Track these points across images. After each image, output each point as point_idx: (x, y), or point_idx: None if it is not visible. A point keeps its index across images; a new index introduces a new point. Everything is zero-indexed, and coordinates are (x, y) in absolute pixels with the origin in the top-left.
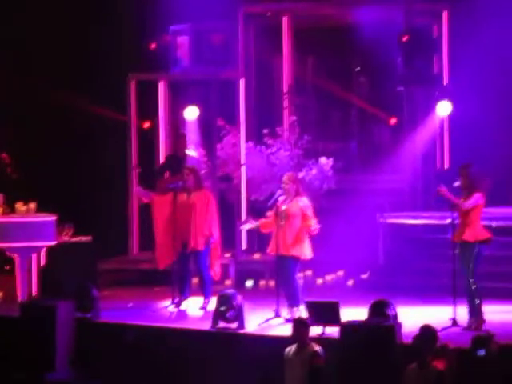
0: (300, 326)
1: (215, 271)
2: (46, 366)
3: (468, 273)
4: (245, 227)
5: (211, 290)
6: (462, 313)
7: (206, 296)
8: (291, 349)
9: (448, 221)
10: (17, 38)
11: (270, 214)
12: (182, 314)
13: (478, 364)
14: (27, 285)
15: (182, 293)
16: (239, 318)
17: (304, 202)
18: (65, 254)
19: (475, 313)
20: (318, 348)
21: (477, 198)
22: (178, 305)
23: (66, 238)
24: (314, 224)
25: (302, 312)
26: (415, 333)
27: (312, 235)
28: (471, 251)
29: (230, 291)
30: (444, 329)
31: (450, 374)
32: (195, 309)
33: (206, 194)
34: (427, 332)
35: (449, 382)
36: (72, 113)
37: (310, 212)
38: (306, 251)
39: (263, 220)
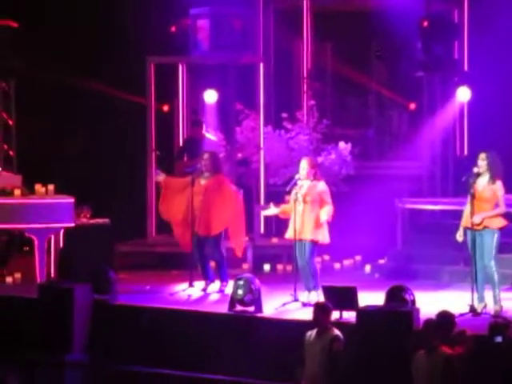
0: (321, 310)
1: (239, 247)
2: (64, 347)
3: (490, 259)
4: (266, 213)
5: (227, 272)
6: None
7: (223, 279)
8: (312, 333)
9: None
10: (33, 18)
11: (288, 198)
12: (200, 298)
13: (495, 350)
14: (45, 266)
15: (207, 277)
16: (256, 301)
17: (322, 186)
18: (82, 236)
19: (496, 299)
20: (338, 333)
21: (501, 187)
22: (204, 289)
23: (84, 220)
24: (329, 212)
25: (320, 296)
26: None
27: (329, 220)
28: (493, 238)
29: (248, 275)
30: (462, 315)
31: (468, 359)
32: (213, 292)
33: (219, 180)
34: (445, 318)
35: (465, 367)
36: (91, 95)
37: (327, 197)
38: (324, 236)
39: (283, 206)
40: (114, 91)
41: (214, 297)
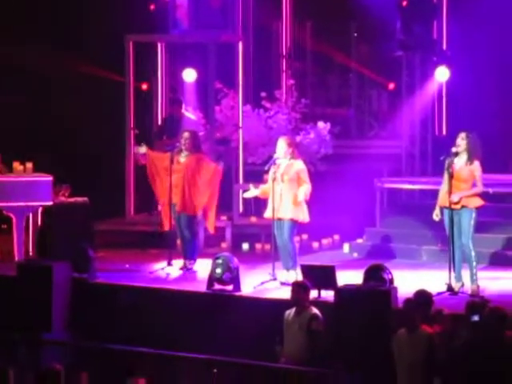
0: (299, 289)
1: (211, 223)
2: (42, 325)
3: (468, 238)
4: (247, 195)
5: (197, 251)
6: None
7: (192, 257)
8: (291, 312)
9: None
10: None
11: (266, 177)
12: (179, 276)
13: (472, 329)
14: (24, 244)
15: (185, 255)
16: (235, 280)
17: (299, 165)
18: (61, 215)
19: (473, 278)
20: (316, 311)
21: (479, 167)
22: (183, 268)
23: (62, 199)
24: (306, 191)
25: (298, 275)
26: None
27: (307, 199)
28: (470, 217)
29: (226, 254)
30: (439, 294)
31: (445, 338)
32: (197, 270)
33: (199, 158)
34: (422, 297)
35: (443, 346)
36: (70, 73)
37: (304, 176)
38: (303, 214)
39: (262, 186)
40: (93, 69)
41: (193, 275)
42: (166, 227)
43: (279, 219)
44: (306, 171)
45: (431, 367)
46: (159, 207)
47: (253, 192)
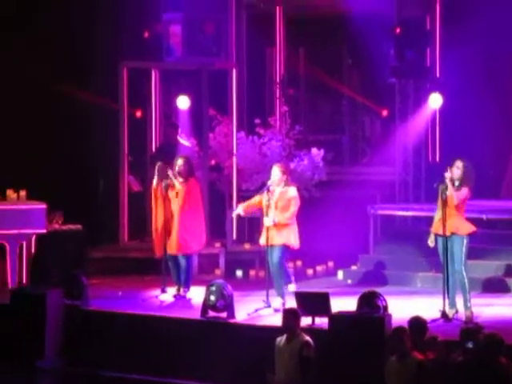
0: (291, 316)
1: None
2: (36, 353)
3: (460, 265)
4: (234, 213)
5: (191, 279)
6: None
7: (186, 285)
8: (282, 339)
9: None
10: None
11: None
12: (172, 303)
13: (467, 355)
14: (17, 272)
15: (179, 282)
16: (229, 307)
17: (292, 192)
18: (54, 242)
19: (467, 305)
20: (308, 338)
21: (467, 191)
22: (177, 295)
23: (56, 226)
24: (285, 216)
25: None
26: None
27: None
28: (462, 243)
29: (220, 281)
30: (433, 320)
31: (439, 365)
32: (191, 297)
33: (193, 185)
34: (416, 323)
35: (436, 372)
36: (63, 99)
37: (294, 202)
38: (294, 240)
39: (245, 203)
40: (86, 95)
41: (187, 303)
42: (159, 254)
43: (271, 245)
44: (297, 198)
45: None
46: (153, 234)
47: (238, 209)
